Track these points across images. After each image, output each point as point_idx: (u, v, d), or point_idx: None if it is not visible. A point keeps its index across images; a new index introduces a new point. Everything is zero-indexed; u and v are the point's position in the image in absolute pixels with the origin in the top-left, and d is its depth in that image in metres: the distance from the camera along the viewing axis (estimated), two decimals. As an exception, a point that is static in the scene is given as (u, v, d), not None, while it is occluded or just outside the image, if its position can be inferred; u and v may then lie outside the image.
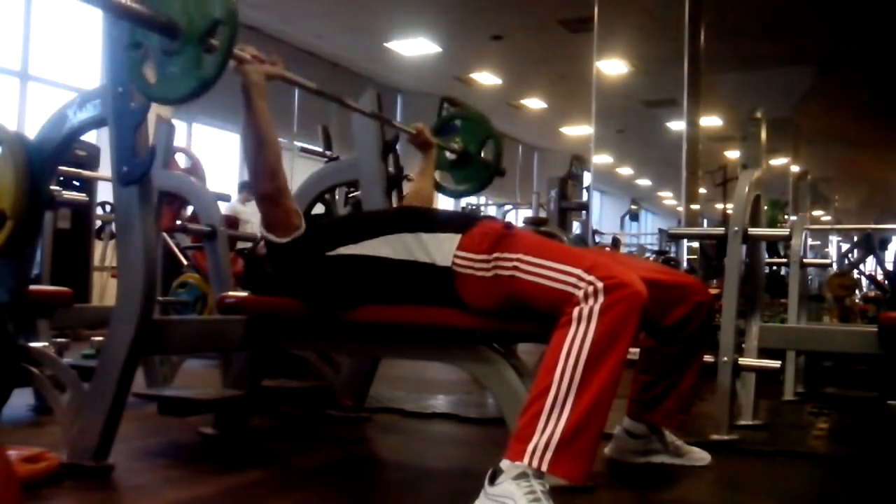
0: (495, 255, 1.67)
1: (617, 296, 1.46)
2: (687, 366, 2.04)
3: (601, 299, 1.46)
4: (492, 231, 1.74)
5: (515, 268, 1.63)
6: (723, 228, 2.68)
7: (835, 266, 6.64)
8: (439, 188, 2.80)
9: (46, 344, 2.25)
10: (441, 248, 1.76)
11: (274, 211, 1.91)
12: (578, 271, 1.51)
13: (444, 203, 12.17)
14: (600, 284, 1.47)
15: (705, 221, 8.49)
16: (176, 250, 4.67)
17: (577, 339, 1.45)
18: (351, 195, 3.96)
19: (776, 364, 2.55)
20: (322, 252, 1.88)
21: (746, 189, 2.59)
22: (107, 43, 1.84)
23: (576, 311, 1.47)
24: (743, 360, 2.50)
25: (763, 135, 3.50)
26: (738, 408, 2.67)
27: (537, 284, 1.57)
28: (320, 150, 4.30)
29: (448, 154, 2.78)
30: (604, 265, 1.51)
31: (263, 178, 1.89)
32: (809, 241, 4.24)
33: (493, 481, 1.45)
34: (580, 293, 1.48)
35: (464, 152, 2.78)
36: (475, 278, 1.70)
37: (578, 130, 12.40)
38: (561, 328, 1.48)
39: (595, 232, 7.85)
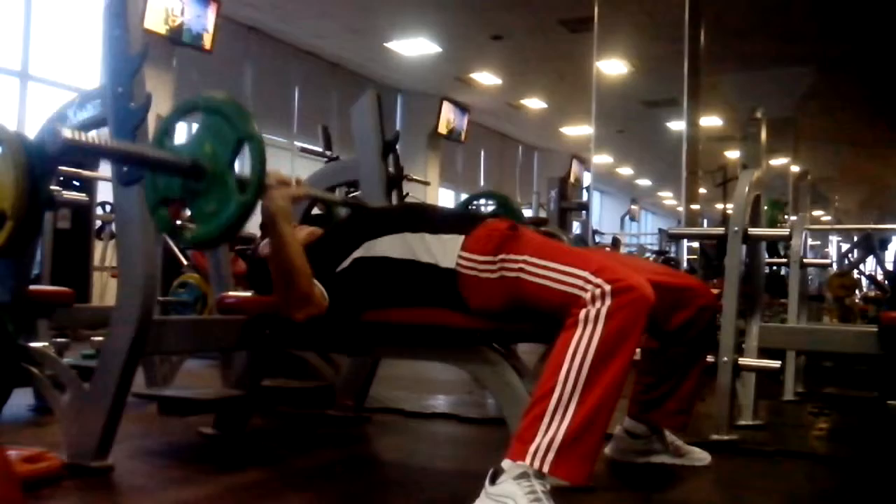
0: (500, 256, 1.67)
1: (624, 299, 1.46)
2: (689, 368, 2.04)
3: (608, 302, 1.46)
4: (496, 232, 1.73)
5: (521, 269, 1.62)
6: (723, 228, 2.68)
7: (835, 266, 6.64)
8: None
9: (46, 344, 2.25)
10: (444, 250, 1.75)
11: (307, 318, 1.82)
12: (586, 274, 1.50)
13: (444, 204, 12.14)
14: (608, 287, 1.47)
15: (705, 221, 8.49)
16: (176, 250, 4.67)
17: (584, 341, 1.45)
18: (351, 195, 3.96)
19: (776, 364, 2.55)
20: (332, 269, 1.86)
21: (746, 189, 2.59)
22: (107, 46, 1.84)
23: (582, 313, 1.47)
24: (743, 360, 2.50)
25: (763, 135, 3.51)
26: (738, 408, 2.67)
27: (544, 286, 1.57)
28: (320, 150, 4.30)
29: None
30: (611, 268, 1.51)
31: (296, 308, 1.78)
32: (809, 241, 4.23)
33: (493, 481, 1.45)
34: (587, 295, 1.48)
35: None
36: (479, 279, 1.70)
37: (578, 130, 12.38)
38: (567, 330, 1.48)
39: (595, 232, 7.84)
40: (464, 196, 12.84)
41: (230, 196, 1.60)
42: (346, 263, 1.86)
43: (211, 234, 1.64)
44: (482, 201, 2.90)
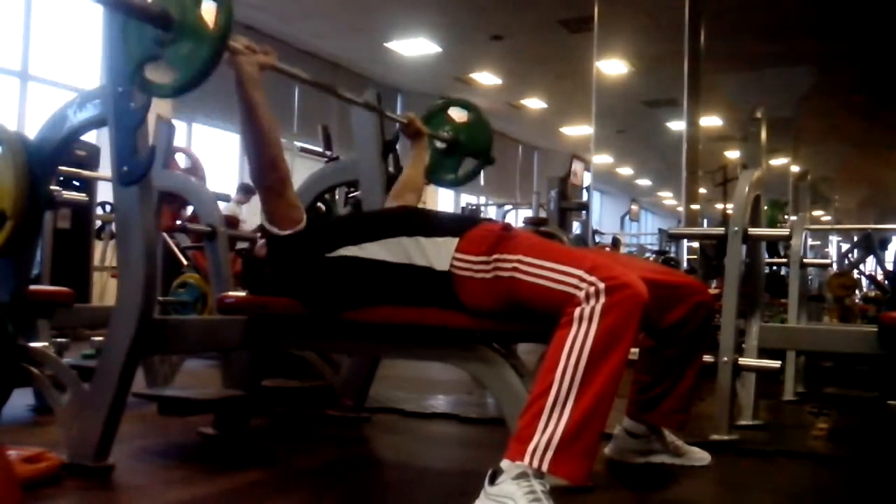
0: (495, 256, 1.67)
1: (618, 296, 1.46)
2: (686, 366, 2.04)
3: (602, 300, 1.46)
4: (490, 233, 1.74)
5: (515, 269, 1.62)
6: (723, 228, 2.68)
7: (835, 266, 6.64)
8: (431, 177, 2.79)
9: (46, 344, 2.25)
10: (439, 252, 1.75)
11: (275, 202, 1.91)
12: (580, 272, 1.51)
13: (444, 204, 12.12)
14: (602, 285, 1.47)
15: (705, 221, 8.49)
16: (176, 250, 4.67)
17: (579, 339, 1.45)
18: (351, 195, 3.96)
19: (776, 364, 2.55)
20: (322, 253, 1.88)
21: (746, 189, 2.59)
22: (106, 43, 1.84)
23: (577, 311, 1.47)
24: (743, 360, 2.50)
25: (763, 135, 3.51)
26: (738, 408, 2.67)
27: (538, 285, 1.57)
28: (320, 150, 4.30)
29: (438, 143, 2.78)
30: (605, 266, 1.51)
31: (265, 170, 1.89)
32: (809, 241, 4.24)
33: (493, 481, 1.45)
34: (581, 294, 1.48)
35: (454, 141, 2.78)
36: (474, 280, 1.70)
37: (578, 130, 12.39)
38: (562, 328, 1.48)
39: (595, 232, 7.85)
40: (463, 196, 12.74)
41: (202, 35, 1.60)
42: (337, 253, 1.86)
43: (191, 76, 1.63)
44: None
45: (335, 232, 1.94)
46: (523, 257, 1.62)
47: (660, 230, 11.02)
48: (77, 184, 4.20)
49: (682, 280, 2.10)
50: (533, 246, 1.66)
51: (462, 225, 1.82)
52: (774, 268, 5.19)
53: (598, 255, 1.65)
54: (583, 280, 1.49)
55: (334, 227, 2.01)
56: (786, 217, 5.94)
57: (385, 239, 1.83)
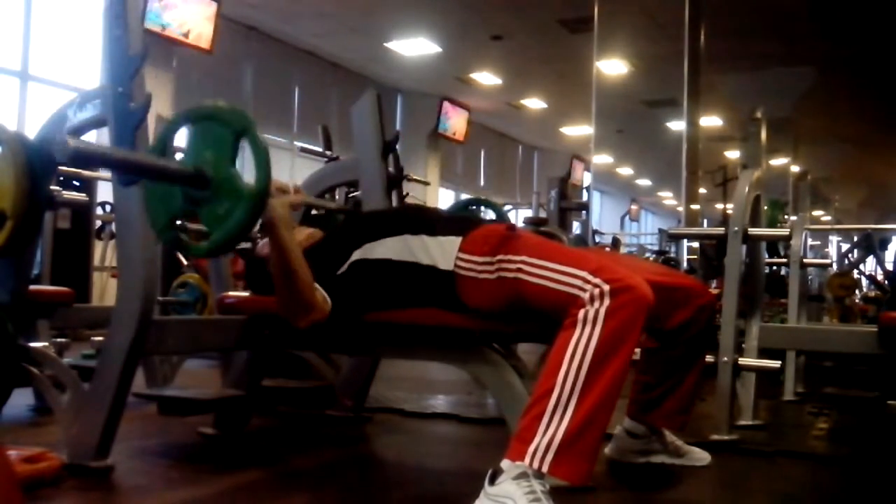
0: (499, 257, 1.67)
1: (623, 299, 1.46)
2: (688, 368, 2.04)
3: (607, 302, 1.46)
4: (494, 233, 1.74)
5: (520, 269, 1.62)
6: (723, 228, 2.68)
7: (835, 266, 6.64)
8: None
9: (46, 344, 2.25)
10: (443, 251, 1.75)
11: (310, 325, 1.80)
12: (584, 273, 1.50)
13: (445, 205, 12.14)
14: (606, 287, 1.47)
15: (705, 221, 8.48)
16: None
17: (582, 341, 1.45)
18: (351, 195, 3.96)
19: (776, 364, 2.55)
20: (333, 272, 1.85)
21: (746, 189, 2.59)
22: (107, 46, 1.83)
23: (581, 313, 1.47)
24: (743, 360, 2.50)
25: (763, 135, 3.51)
26: (738, 408, 2.67)
27: (542, 287, 1.57)
28: (320, 150, 4.29)
29: None
30: (609, 268, 1.51)
31: (298, 315, 1.76)
32: (809, 241, 4.24)
33: (493, 481, 1.45)
34: (586, 295, 1.48)
35: None
36: (478, 280, 1.70)
37: (578, 130, 12.38)
38: (566, 330, 1.48)
39: (595, 232, 7.84)
40: (463, 196, 12.84)
41: (239, 192, 1.59)
42: (346, 267, 1.86)
43: (229, 236, 1.62)
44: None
45: (341, 249, 1.89)
46: (528, 258, 1.62)
47: (660, 230, 11.01)
48: (77, 184, 4.20)
49: (685, 282, 2.10)
50: (537, 247, 1.66)
51: (466, 225, 1.82)
52: (774, 268, 5.19)
53: (602, 257, 1.65)
54: (587, 282, 1.49)
55: (340, 240, 1.94)
56: (786, 217, 5.94)
57: (390, 237, 1.83)
